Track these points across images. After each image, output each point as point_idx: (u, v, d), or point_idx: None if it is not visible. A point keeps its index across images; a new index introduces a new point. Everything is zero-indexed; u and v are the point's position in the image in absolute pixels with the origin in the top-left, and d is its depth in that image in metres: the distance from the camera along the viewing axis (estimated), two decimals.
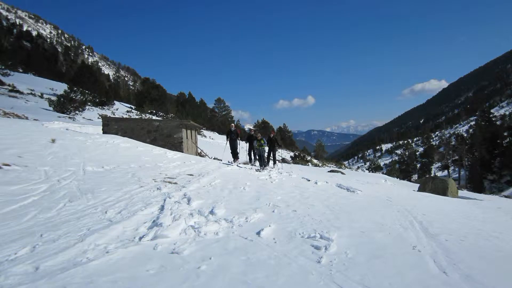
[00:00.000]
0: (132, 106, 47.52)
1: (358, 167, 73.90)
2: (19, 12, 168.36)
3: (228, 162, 12.09)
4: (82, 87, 34.38)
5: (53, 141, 8.47)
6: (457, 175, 44.61)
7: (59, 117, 23.33)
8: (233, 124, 13.62)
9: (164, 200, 4.69)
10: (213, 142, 37.76)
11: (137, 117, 36.80)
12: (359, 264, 2.85)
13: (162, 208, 4.31)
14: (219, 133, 53.11)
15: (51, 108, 26.12)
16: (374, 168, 58.19)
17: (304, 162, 33.84)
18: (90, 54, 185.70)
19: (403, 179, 34.06)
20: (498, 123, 44.50)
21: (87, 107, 31.19)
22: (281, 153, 41.58)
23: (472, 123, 73.61)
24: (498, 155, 35.87)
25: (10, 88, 28.84)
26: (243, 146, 13.87)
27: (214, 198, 5.18)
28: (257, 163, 11.52)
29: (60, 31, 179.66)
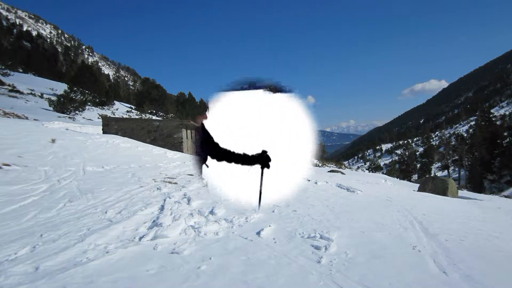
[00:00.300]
0: (132, 106, 47.50)
1: (358, 167, 73.86)
2: (19, 12, 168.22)
3: None
4: (82, 87, 34.37)
5: (53, 141, 8.47)
6: (457, 175, 44.57)
7: (59, 117, 23.36)
8: None
9: (164, 200, 4.70)
10: None
11: (137, 117, 36.79)
12: (359, 264, 2.85)
13: (162, 208, 4.31)
14: None
15: (51, 108, 26.15)
16: (374, 168, 58.14)
17: None
18: (90, 54, 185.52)
19: (403, 179, 34.03)
20: (498, 123, 44.43)
21: (87, 107, 31.21)
22: None
23: (472, 123, 73.57)
24: (498, 155, 35.84)
25: (10, 88, 28.86)
26: None
27: (214, 198, 5.18)
28: None
29: (60, 31, 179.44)
